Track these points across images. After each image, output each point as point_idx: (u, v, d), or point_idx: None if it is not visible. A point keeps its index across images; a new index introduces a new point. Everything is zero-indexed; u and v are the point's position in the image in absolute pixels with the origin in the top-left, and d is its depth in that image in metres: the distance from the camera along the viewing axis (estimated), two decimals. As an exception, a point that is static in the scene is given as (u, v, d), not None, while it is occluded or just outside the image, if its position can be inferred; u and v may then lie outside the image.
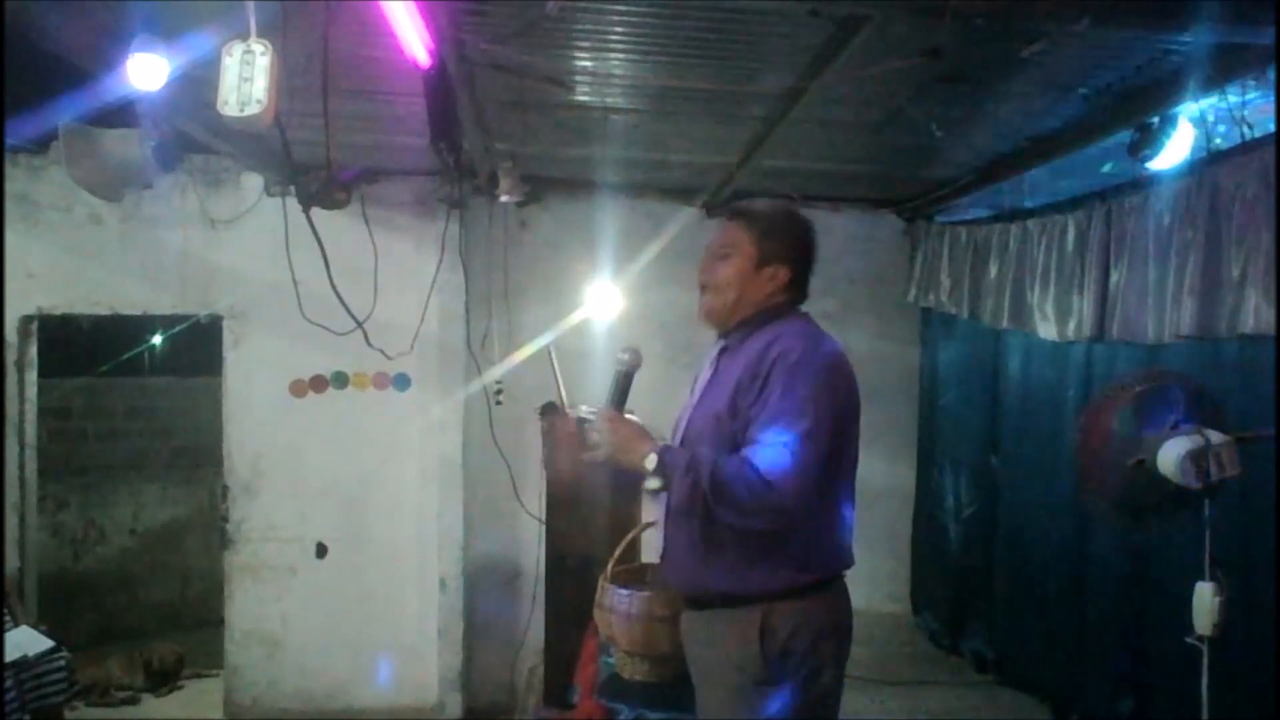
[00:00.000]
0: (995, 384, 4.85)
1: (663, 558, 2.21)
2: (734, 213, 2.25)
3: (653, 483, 2.02)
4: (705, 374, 2.27)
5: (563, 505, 3.99)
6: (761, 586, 2.00)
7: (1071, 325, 3.97)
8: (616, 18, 2.89)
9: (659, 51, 3.14)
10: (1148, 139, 3.35)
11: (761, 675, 1.99)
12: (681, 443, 2.16)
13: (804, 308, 2.23)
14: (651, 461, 2.01)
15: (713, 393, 2.15)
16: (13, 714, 3.67)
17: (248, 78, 2.17)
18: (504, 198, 4.49)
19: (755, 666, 1.99)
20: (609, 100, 3.69)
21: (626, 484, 3.95)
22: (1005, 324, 4.48)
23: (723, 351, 2.22)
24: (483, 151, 4.28)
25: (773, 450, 1.90)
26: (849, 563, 2.14)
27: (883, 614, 5.39)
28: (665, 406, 5.60)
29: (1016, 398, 4.66)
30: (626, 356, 2.20)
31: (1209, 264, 3.20)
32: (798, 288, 2.19)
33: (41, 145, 4.67)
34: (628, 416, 2.18)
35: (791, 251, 2.17)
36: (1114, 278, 3.73)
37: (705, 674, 2.13)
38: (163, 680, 5.48)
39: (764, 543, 1.99)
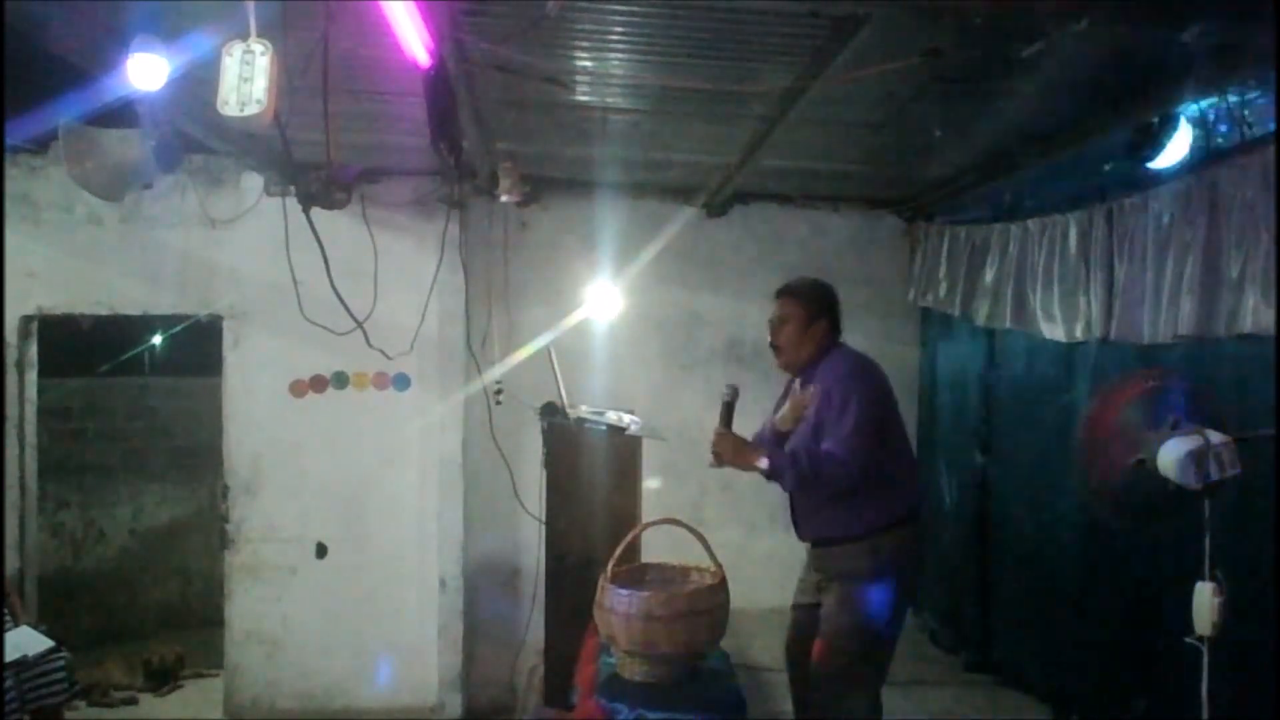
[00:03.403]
0: (991, 384, 4.84)
1: (795, 521, 3.17)
2: (781, 291, 3.22)
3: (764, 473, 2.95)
4: (789, 397, 3.20)
5: (563, 505, 3.99)
6: (869, 525, 2.94)
7: (1079, 326, 3.95)
8: (616, 18, 2.89)
9: (659, 51, 3.14)
10: (1148, 139, 3.34)
11: (872, 578, 2.95)
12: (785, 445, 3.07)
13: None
14: (764, 463, 2.90)
15: (810, 412, 3.01)
16: (13, 714, 3.67)
17: (248, 78, 2.17)
18: (504, 198, 4.50)
19: (869, 572, 2.95)
20: (609, 100, 3.70)
21: (626, 484, 3.98)
22: (1007, 324, 4.46)
23: (802, 382, 3.13)
24: (483, 151, 4.28)
25: (838, 443, 2.86)
26: (917, 501, 3.10)
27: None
28: (664, 404, 5.59)
29: (1013, 398, 4.66)
30: (728, 392, 3.03)
31: (1208, 264, 3.19)
32: (836, 329, 3.18)
33: (41, 145, 4.68)
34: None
35: (824, 307, 3.16)
36: (1116, 278, 3.72)
37: (838, 577, 3.02)
38: (163, 680, 5.49)
39: (859, 500, 2.91)
